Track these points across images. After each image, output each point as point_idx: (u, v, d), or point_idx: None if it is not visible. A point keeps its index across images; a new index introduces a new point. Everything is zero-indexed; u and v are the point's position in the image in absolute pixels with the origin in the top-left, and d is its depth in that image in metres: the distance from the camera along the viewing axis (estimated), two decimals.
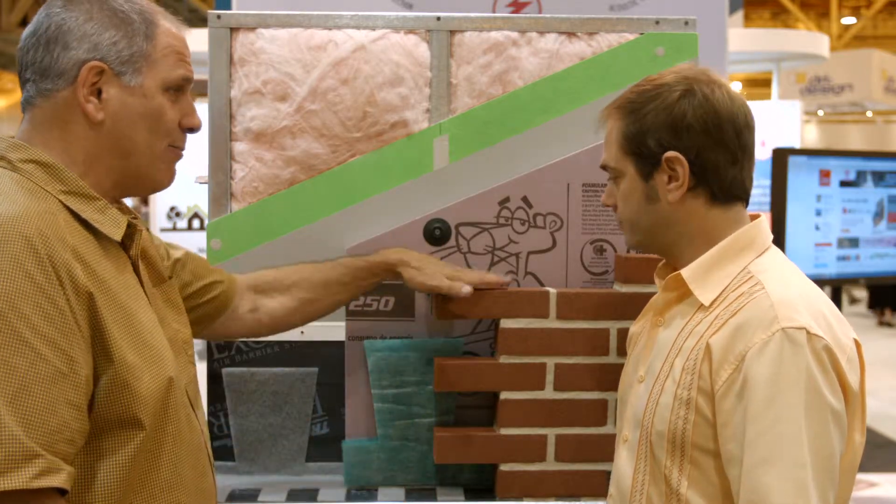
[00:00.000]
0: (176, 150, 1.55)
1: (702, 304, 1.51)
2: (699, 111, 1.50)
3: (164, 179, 1.55)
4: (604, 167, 1.64)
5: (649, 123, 1.52)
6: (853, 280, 6.95)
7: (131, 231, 1.51)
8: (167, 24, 1.52)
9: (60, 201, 1.41)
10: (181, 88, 1.53)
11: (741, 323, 1.43)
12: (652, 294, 2.05)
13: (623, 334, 2.07)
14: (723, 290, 1.50)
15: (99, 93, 1.45)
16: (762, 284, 1.46)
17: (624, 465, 1.60)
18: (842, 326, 1.46)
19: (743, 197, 1.56)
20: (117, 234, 1.46)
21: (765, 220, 1.56)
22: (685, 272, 1.54)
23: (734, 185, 1.54)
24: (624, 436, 1.62)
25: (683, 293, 1.56)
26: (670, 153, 1.51)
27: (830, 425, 1.38)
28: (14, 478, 1.23)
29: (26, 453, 1.25)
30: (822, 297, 1.48)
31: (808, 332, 1.39)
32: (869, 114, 16.54)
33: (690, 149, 1.50)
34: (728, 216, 1.54)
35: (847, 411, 1.42)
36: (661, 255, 1.64)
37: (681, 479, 1.46)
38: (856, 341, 1.46)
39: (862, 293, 13.72)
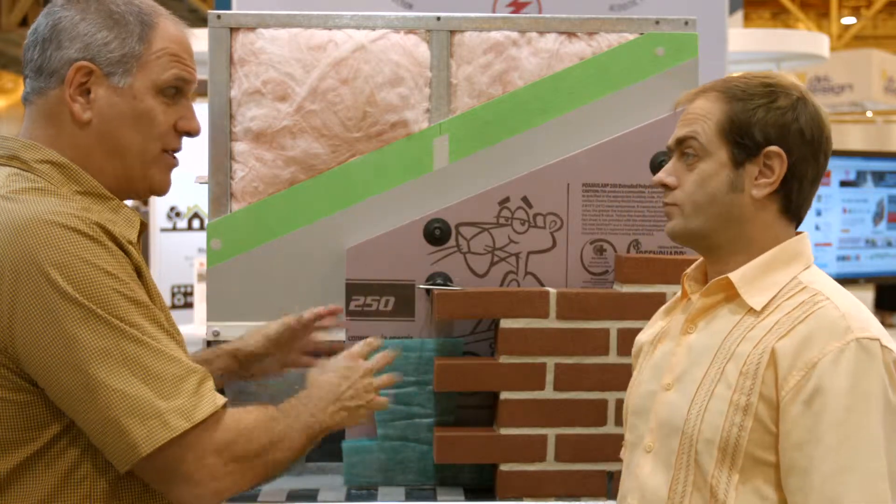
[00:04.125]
0: (170, 157, 1.54)
1: (750, 309, 1.48)
2: (810, 121, 1.50)
3: (159, 186, 1.54)
4: (681, 141, 1.54)
5: (759, 117, 1.49)
6: (853, 280, 6.95)
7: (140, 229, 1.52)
8: (168, 27, 1.51)
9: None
10: (179, 90, 1.52)
11: (810, 330, 1.40)
12: (652, 294, 2.06)
13: (623, 334, 2.07)
14: (773, 297, 1.48)
15: (88, 93, 1.46)
16: (824, 294, 1.45)
17: (651, 476, 1.53)
18: (891, 341, 1.45)
19: (801, 220, 1.56)
20: (132, 233, 1.47)
21: (808, 237, 1.55)
22: (734, 276, 1.50)
23: (804, 204, 1.53)
24: (647, 445, 1.56)
25: (728, 297, 1.52)
26: (773, 147, 1.48)
27: None
28: (207, 402, 1.35)
29: (203, 376, 1.37)
30: (869, 311, 1.48)
31: (881, 344, 1.39)
32: (869, 114, 16.51)
33: (792, 153, 1.49)
34: (787, 232, 1.53)
35: None
36: (705, 252, 1.58)
37: (729, 489, 1.43)
38: None
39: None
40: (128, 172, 1.49)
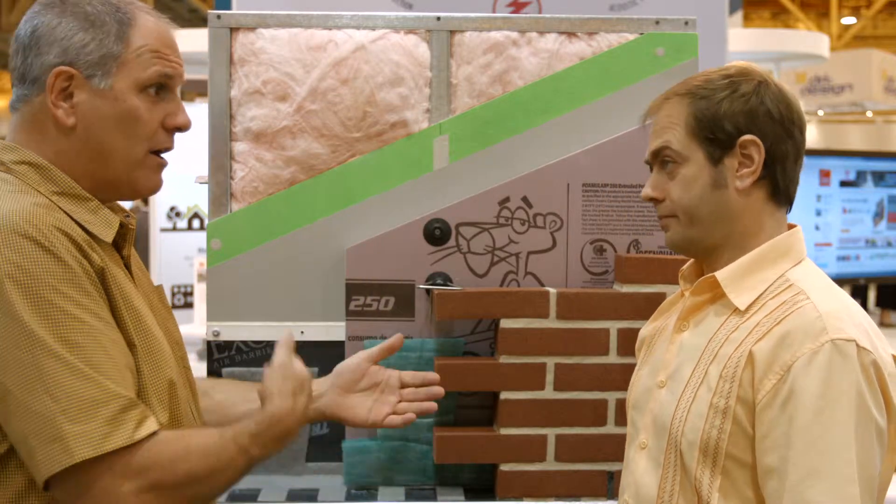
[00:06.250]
0: (158, 158, 1.52)
1: (736, 309, 1.47)
2: (775, 100, 1.49)
3: (146, 187, 1.52)
4: (656, 153, 1.54)
5: (725, 109, 1.48)
6: (853, 280, 6.95)
7: (123, 231, 1.50)
8: (147, 23, 1.48)
9: (53, 202, 1.41)
10: (164, 87, 1.50)
11: (787, 332, 1.39)
12: (653, 294, 2.06)
13: (623, 334, 2.07)
14: (759, 296, 1.47)
15: (71, 97, 1.44)
16: (805, 294, 1.43)
17: (644, 473, 1.55)
18: (881, 342, 1.43)
19: (790, 202, 1.54)
20: (108, 234, 1.45)
21: (801, 231, 1.54)
22: (720, 275, 1.50)
23: (791, 185, 1.52)
24: (641, 442, 1.57)
25: (715, 296, 1.52)
26: (747, 136, 1.47)
27: (874, 442, 1.35)
28: (121, 433, 1.31)
29: (127, 403, 1.32)
30: (861, 310, 1.46)
31: (857, 345, 1.36)
32: (869, 114, 16.51)
33: (766, 137, 1.48)
34: (776, 218, 1.52)
35: (889, 429, 1.39)
36: (702, 255, 1.57)
37: (711, 491, 1.42)
38: (894, 357, 1.44)
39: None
40: (112, 175, 1.48)
